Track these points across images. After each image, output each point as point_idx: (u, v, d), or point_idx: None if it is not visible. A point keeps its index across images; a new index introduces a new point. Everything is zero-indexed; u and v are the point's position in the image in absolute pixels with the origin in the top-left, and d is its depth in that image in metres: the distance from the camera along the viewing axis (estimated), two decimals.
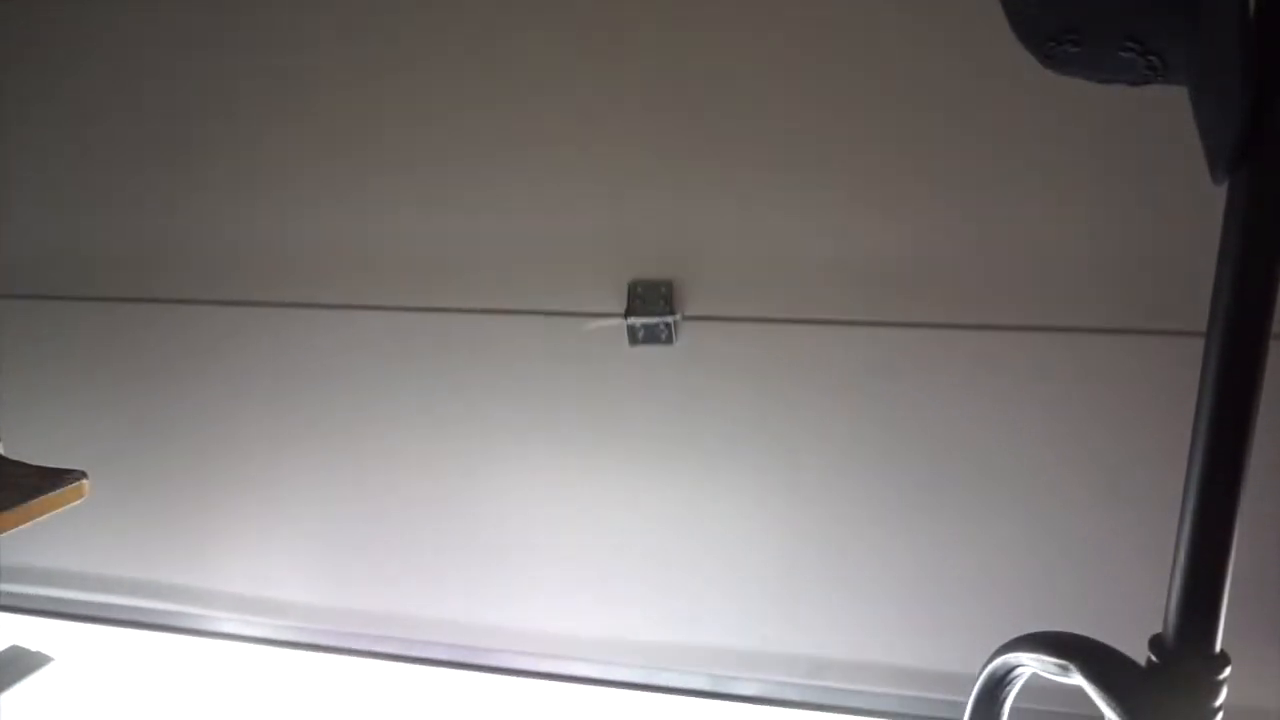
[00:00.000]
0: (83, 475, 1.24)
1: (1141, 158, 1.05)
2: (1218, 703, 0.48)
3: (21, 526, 1.14)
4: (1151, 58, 0.45)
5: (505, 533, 1.37)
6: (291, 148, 1.37)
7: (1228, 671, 0.48)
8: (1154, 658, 0.50)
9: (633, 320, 1.24)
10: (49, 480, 1.21)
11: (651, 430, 1.31)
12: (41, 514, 1.22)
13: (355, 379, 1.43)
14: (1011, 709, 0.68)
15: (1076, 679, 0.55)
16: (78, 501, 1.29)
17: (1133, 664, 0.52)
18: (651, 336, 1.25)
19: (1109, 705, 0.51)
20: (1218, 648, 0.48)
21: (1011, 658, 0.65)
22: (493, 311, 1.34)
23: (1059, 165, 1.08)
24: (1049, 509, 1.17)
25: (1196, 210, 0.85)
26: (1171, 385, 1.07)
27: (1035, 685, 0.63)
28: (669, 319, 1.24)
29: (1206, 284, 0.46)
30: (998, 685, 0.68)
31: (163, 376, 1.53)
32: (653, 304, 1.25)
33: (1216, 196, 0.45)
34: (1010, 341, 1.16)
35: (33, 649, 1.57)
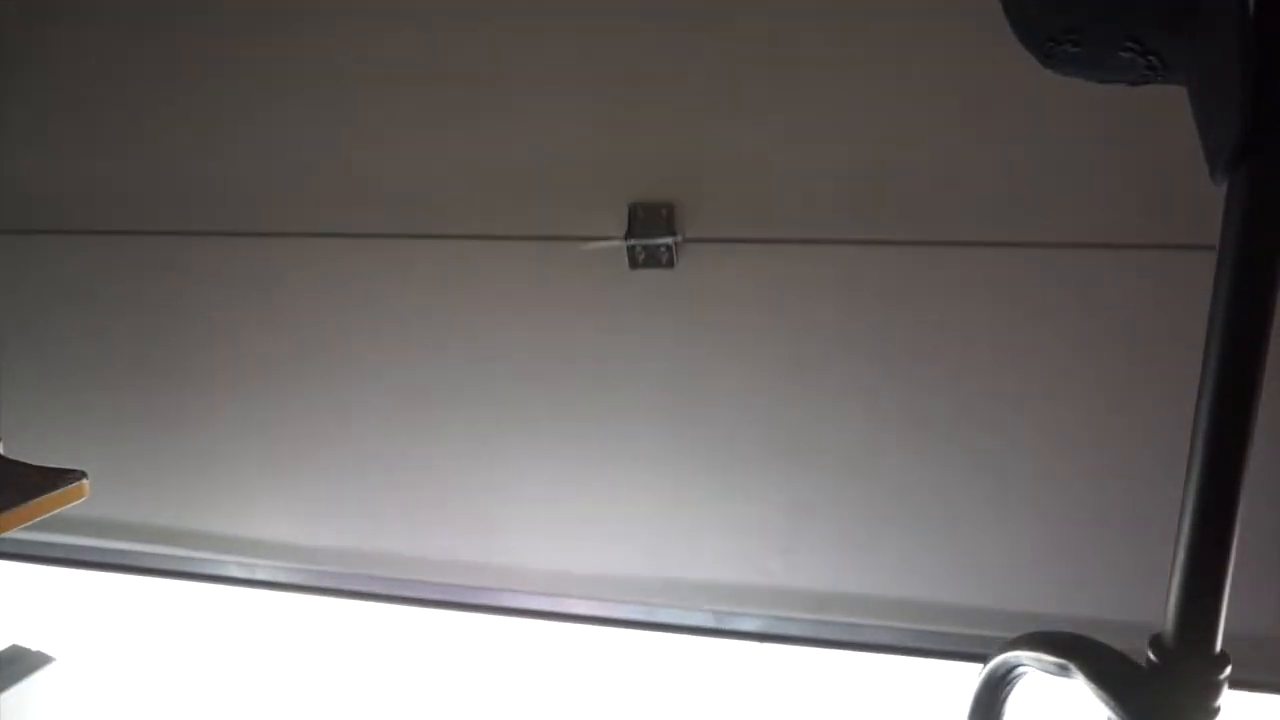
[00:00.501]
0: (82, 475, 1.24)
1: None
2: (1218, 702, 0.48)
3: (21, 526, 1.15)
4: (1151, 58, 0.45)
5: (502, 466, 1.32)
6: (276, 72, 1.33)
7: (1228, 671, 0.48)
8: (1154, 658, 0.50)
9: (633, 242, 1.22)
10: (49, 480, 1.21)
11: (652, 356, 1.27)
12: (41, 514, 1.22)
13: (348, 310, 1.39)
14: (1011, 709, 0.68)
15: (1076, 679, 0.55)
16: (78, 501, 1.29)
17: (1133, 664, 0.52)
18: (652, 259, 1.24)
19: (1109, 705, 0.51)
20: (1218, 647, 0.48)
21: (1011, 657, 0.65)
22: (490, 237, 1.31)
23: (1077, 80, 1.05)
24: (1067, 440, 1.14)
25: None
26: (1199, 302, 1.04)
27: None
28: (670, 240, 1.22)
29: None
30: (998, 685, 0.68)
31: (149, 311, 1.49)
32: (653, 226, 1.23)
33: (1217, 194, 0.45)
34: (1022, 259, 1.14)
35: (33, 649, 1.57)
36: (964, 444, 1.15)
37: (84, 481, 1.29)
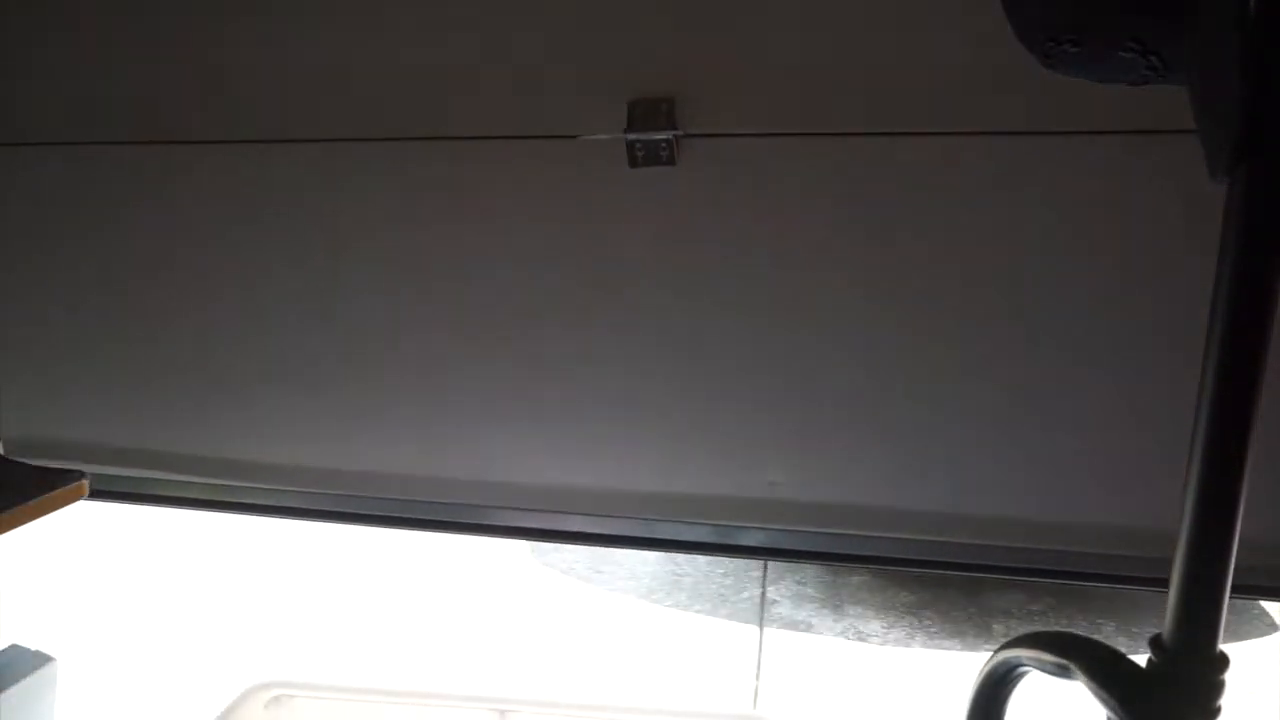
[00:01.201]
0: (82, 475, 1.24)
1: None
2: (1218, 702, 0.48)
3: (21, 527, 1.14)
4: (1151, 58, 0.45)
5: (497, 378, 1.26)
6: None
7: (1228, 671, 0.48)
8: (1154, 658, 0.50)
9: (632, 137, 1.17)
10: (49, 480, 1.21)
11: (653, 258, 1.22)
12: (41, 514, 1.22)
13: (336, 217, 1.33)
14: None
15: (1076, 679, 0.55)
16: (78, 501, 1.29)
17: (1133, 664, 0.52)
18: (652, 156, 1.18)
19: (1109, 706, 0.51)
20: (1218, 647, 0.48)
21: (1011, 657, 0.65)
22: (482, 138, 1.26)
23: None
24: (1085, 344, 1.09)
25: None
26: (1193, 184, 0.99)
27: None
28: (670, 135, 1.17)
29: None
30: (997, 685, 0.68)
31: (131, 222, 1.41)
32: (653, 120, 1.17)
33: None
34: (1041, 147, 1.09)
35: (32, 649, 1.57)
36: (980, 349, 1.08)
37: (84, 481, 1.29)
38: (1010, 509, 1.02)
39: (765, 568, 3.61)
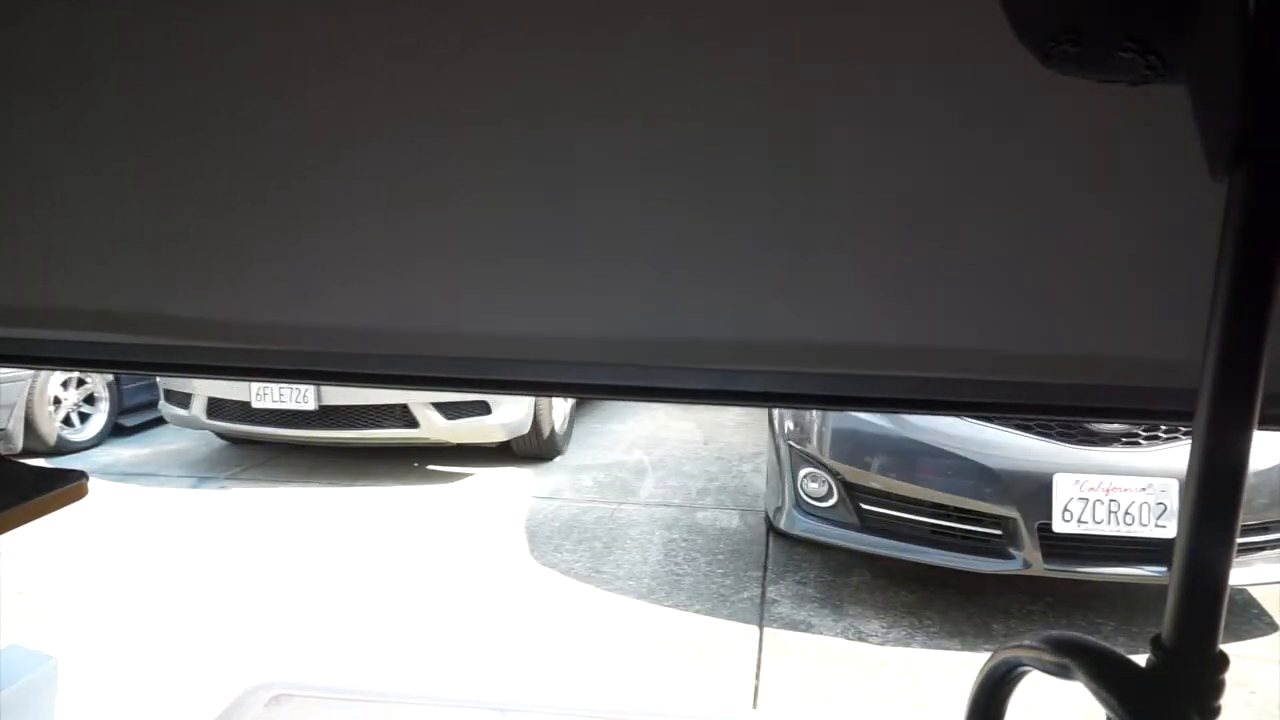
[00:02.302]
0: (82, 475, 1.23)
1: None
2: (1218, 702, 0.48)
3: (20, 527, 1.14)
4: (1151, 57, 0.45)
5: (483, 224, 1.14)
6: None
7: (1228, 671, 0.48)
8: (1154, 658, 0.50)
9: None
10: (49, 480, 1.21)
11: (652, 89, 1.12)
12: (41, 514, 1.22)
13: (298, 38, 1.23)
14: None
15: (1076, 679, 0.55)
16: (78, 501, 1.29)
17: (1133, 664, 0.52)
18: None
19: (1109, 705, 0.51)
20: (1218, 647, 0.48)
21: (1011, 657, 0.65)
22: None
23: None
24: (1089, 177, 1.05)
25: None
26: None
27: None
28: None
29: None
30: (997, 685, 0.68)
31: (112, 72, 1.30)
32: None
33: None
34: None
35: (32, 649, 1.57)
36: (987, 180, 1.03)
37: (84, 482, 1.29)
38: (1024, 345, 0.97)
39: (765, 568, 3.61)
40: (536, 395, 1.14)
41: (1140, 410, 1.00)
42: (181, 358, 1.14)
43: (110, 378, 5.65)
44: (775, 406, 1.03)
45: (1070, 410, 0.98)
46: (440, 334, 1.09)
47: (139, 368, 1.20)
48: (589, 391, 1.15)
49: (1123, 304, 0.89)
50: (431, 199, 0.99)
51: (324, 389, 4.45)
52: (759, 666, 2.87)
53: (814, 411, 3.29)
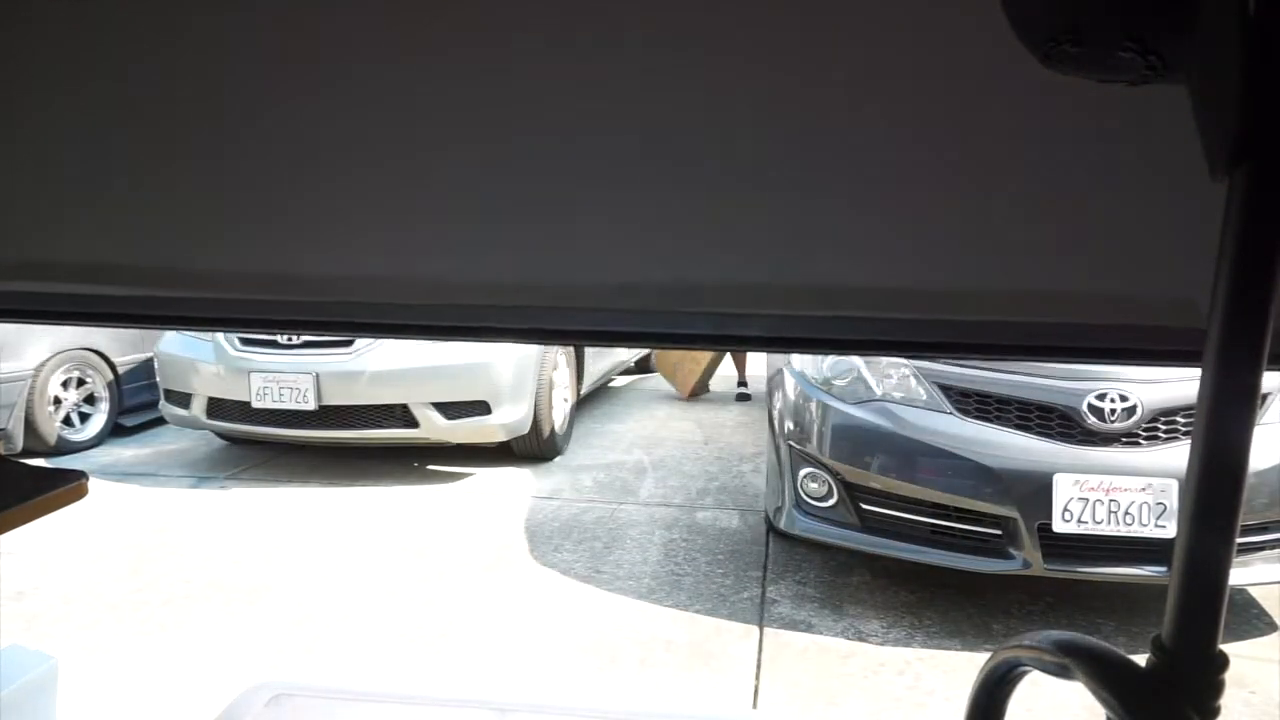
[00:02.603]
0: (82, 475, 1.23)
1: None
2: (1218, 702, 0.48)
3: (20, 527, 1.14)
4: (1151, 57, 0.45)
5: (481, 174, 1.11)
6: None
7: (1228, 671, 0.48)
8: (1154, 658, 0.50)
9: None
10: (49, 480, 1.21)
11: (650, 27, 1.08)
12: (42, 514, 1.22)
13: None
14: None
15: (1077, 679, 0.55)
16: (78, 501, 1.29)
17: (1133, 664, 0.52)
18: None
19: (1109, 705, 0.51)
20: (1218, 647, 0.48)
21: (1011, 657, 0.65)
22: None
23: None
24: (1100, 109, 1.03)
25: None
26: None
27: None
28: None
29: None
30: (997, 685, 0.68)
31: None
32: None
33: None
34: None
35: (32, 649, 1.57)
36: (988, 122, 1.00)
37: (84, 481, 1.29)
38: (1030, 282, 0.96)
39: (765, 568, 3.61)
40: (532, 343, 1.10)
41: (1148, 351, 0.98)
42: (166, 309, 1.10)
43: (110, 377, 5.65)
44: (777, 351, 0.99)
45: (1077, 352, 0.97)
46: (433, 282, 1.05)
47: (115, 319, 1.16)
48: (588, 339, 1.11)
49: (1129, 242, 0.87)
50: (426, 144, 0.95)
51: (324, 389, 4.45)
52: (759, 666, 2.87)
53: (814, 410, 3.28)
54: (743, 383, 6.98)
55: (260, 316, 1.11)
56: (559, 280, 1.05)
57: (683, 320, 1.07)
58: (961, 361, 3.11)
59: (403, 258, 1.03)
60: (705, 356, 6.16)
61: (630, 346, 1.32)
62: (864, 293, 1.02)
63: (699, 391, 6.72)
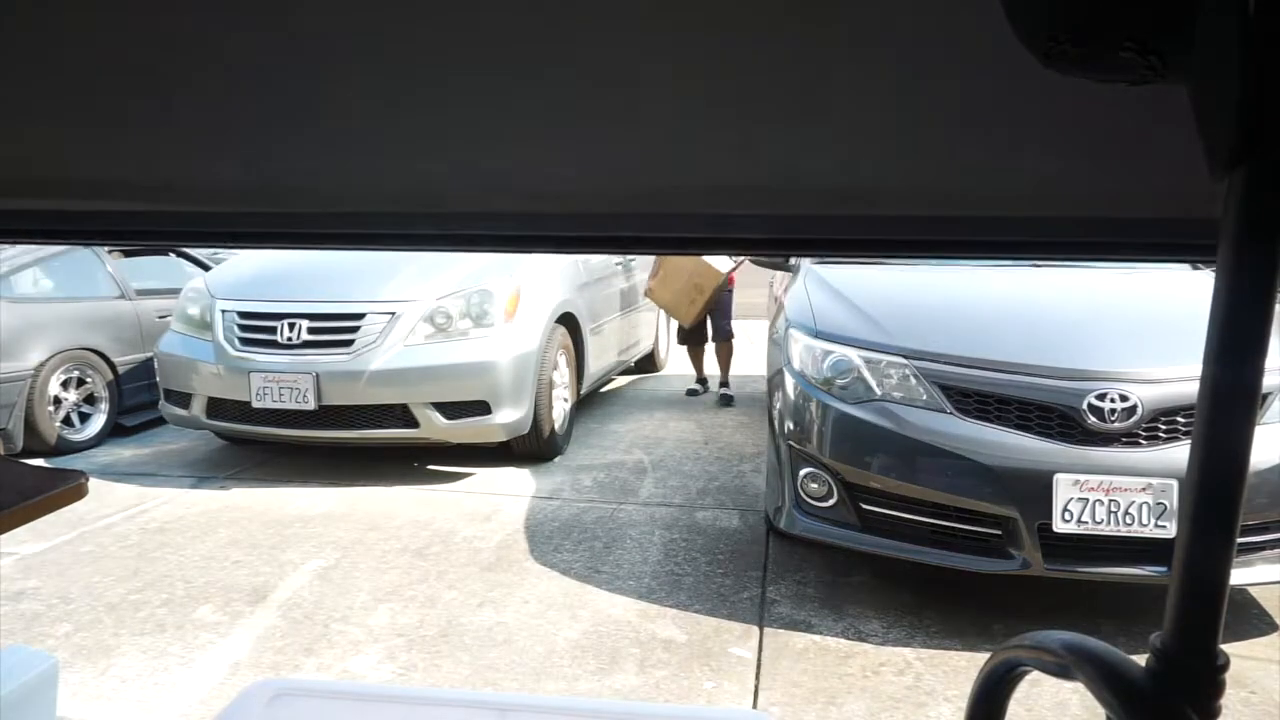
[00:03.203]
0: (82, 475, 1.24)
1: None
2: (1218, 702, 0.48)
3: (21, 526, 1.14)
4: (1151, 57, 0.45)
5: (479, 74, 1.06)
6: None
7: (1228, 671, 0.48)
8: (1154, 658, 0.50)
9: None
10: (49, 480, 1.21)
11: None
12: (42, 513, 1.22)
13: None
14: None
15: (1077, 679, 0.55)
16: (78, 501, 1.29)
17: (1133, 664, 0.52)
18: None
19: (1109, 705, 0.51)
20: (1218, 647, 0.48)
21: (1011, 657, 0.65)
22: None
23: None
24: None
25: None
26: None
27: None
28: None
29: None
30: (997, 685, 0.68)
31: None
32: None
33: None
34: None
35: (33, 649, 1.57)
36: (988, 20, 0.98)
37: (83, 481, 1.29)
38: (1032, 175, 0.95)
39: (765, 568, 3.61)
40: (530, 252, 1.06)
41: (1157, 244, 0.97)
42: (161, 224, 1.06)
43: (110, 377, 5.65)
44: (781, 253, 0.94)
45: (1088, 247, 0.95)
46: (436, 191, 1.01)
47: (110, 237, 1.11)
48: (588, 245, 1.08)
49: (1137, 135, 0.86)
50: (425, 48, 0.91)
51: (324, 389, 4.45)
52: (759, 666, 2.87)
53: (814, 410, 3.28)
54: (725, 383, 6.76)
55: (264, 230, 1.05)
56: (556, 187, 1.01)
57: (680, 223, 1.03)
58: (962, 362, 3.10)
59: (403, 164, 0.98)
60: (708, 287, 6.14)
61: (630, 251, 1.31)
62: (867, 192, 0.99)
63: (700, 321, 6.45)
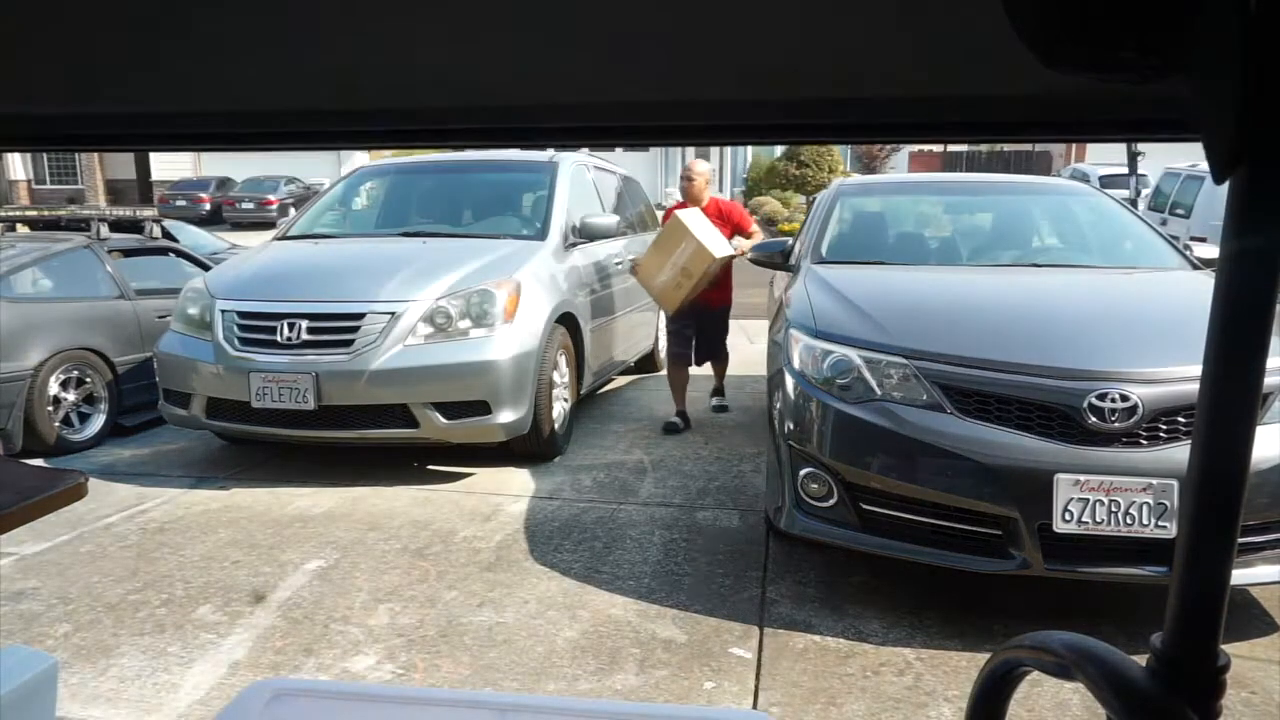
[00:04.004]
0: (81, 475, 1.24)
1: None
2: (1218, 703, 0.48)
3: (21, 526, 1.14)
4: (1151, 57, 0.45)
5: None
6: None
7: (1228, 671, 0.48)
8: (1154, 658, 0.50)
9: None
10: (49, 480, 1.21)
11: None
12: (42, 513, 1.22)
13: None
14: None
15: (1077, 679, 0.55)
16: (77, 501, 1.29)
17: (1133, 664, 0.52)
18: None
19: (1109, 705, 0.51)
20: (1218, 647, 0.48)
21: (1012, 658, 0.65)
22: None
23: None
24: None
25: None
26: None
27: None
28: None
29: None
30: (998, 685, 0.68)
31: None
32: None
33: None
34: None
35: (32, 649, 1.57)
36: None
37: (83, 481, 1.29)
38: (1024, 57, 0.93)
39: (765, 568, 3.61)
40: (536, 146, 1.03)
41: (1141, 121, 0.96)
42: (180, 127, 1.02)
43: (110, 377, 5.65)
44: (785, 140, 0.91)
45: (1073, 127, 0.93)
46: (426, 82, 0.97)
47: (120, 141, 1.05)
48: (591, 136, 1.05)
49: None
50: None
51: (324, 389, 4.45)
52: (759, 666, 2.87)
53: (814, 410, 3.28)
54: (719, 391, 6.12)
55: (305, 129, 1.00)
56: (557, 79, 0.97)
57: (680, 111, 1.00)
58: (962, 362, 3.10)
59: (400, 59, 0.93)
60: (695, 272, 5.54)
61: (633, 141, 1.28)
62: (870, 75, 0.97)
63: (682, 309, 5.50)
